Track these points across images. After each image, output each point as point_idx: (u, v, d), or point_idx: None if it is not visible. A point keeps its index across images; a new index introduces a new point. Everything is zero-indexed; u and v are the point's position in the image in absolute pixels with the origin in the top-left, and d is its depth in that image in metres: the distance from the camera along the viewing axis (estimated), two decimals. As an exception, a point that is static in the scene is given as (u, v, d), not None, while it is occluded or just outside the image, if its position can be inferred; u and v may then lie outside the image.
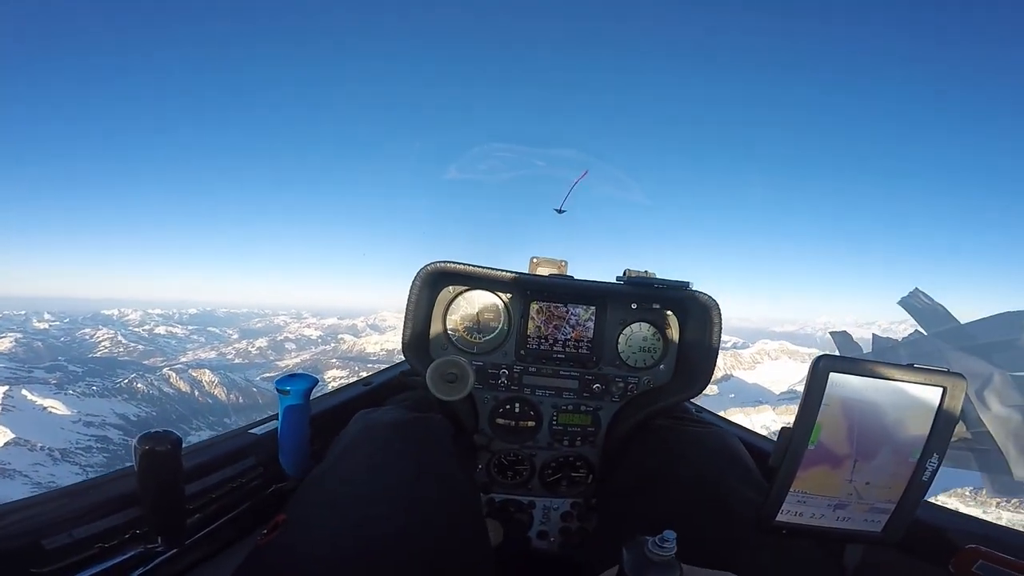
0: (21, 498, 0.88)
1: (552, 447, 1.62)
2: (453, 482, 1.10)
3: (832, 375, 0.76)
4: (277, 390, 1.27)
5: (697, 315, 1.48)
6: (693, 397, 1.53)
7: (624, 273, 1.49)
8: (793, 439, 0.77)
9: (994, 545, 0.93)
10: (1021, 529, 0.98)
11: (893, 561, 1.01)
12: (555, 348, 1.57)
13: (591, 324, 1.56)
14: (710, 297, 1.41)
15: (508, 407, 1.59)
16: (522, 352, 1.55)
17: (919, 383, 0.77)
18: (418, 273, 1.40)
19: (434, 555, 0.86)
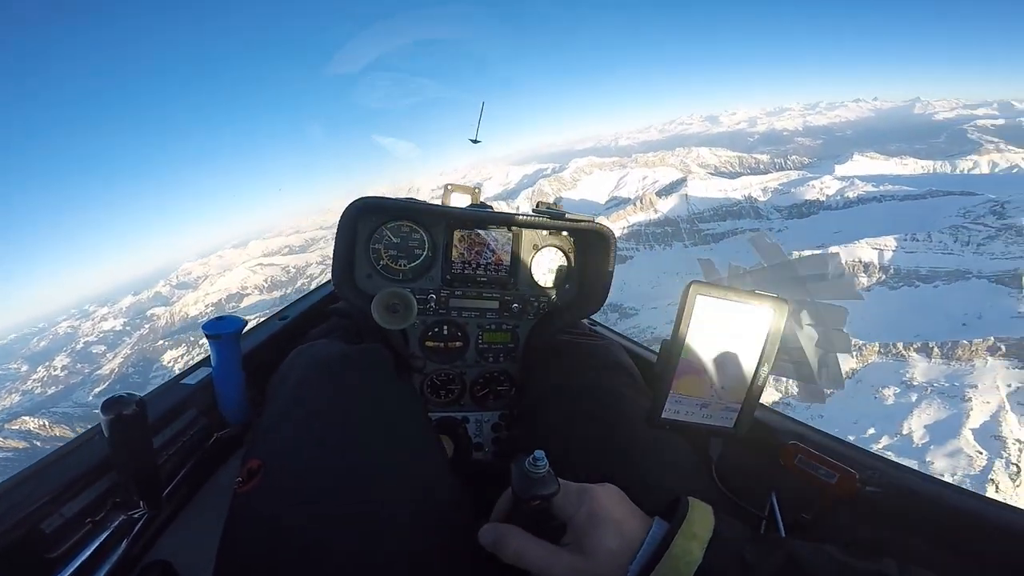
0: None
1: (479, 364, 1.73)
2: (409, 405, 1.19)
3: (698, 297, 0.93)
4: (207, 336, 1.25)
5: (596, 243, 1.63)
6: (593, 313, 1.70)
7: (537, 205, 1.62)
8: (671, 351, 0.94)
9: (806, 442, 1.11)
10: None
11: (741, 452, 1.20)
12: (478, 272, 1.66)
13: (508, 248, 1.67)
14: (608, 229, 1.58)
15: (437, 330, 1.67)
16: (448, 277, 1.63)
17: (757, 306, 0.95)
18: (346, 209, 1.44)
19: (416, 475, 0.94)
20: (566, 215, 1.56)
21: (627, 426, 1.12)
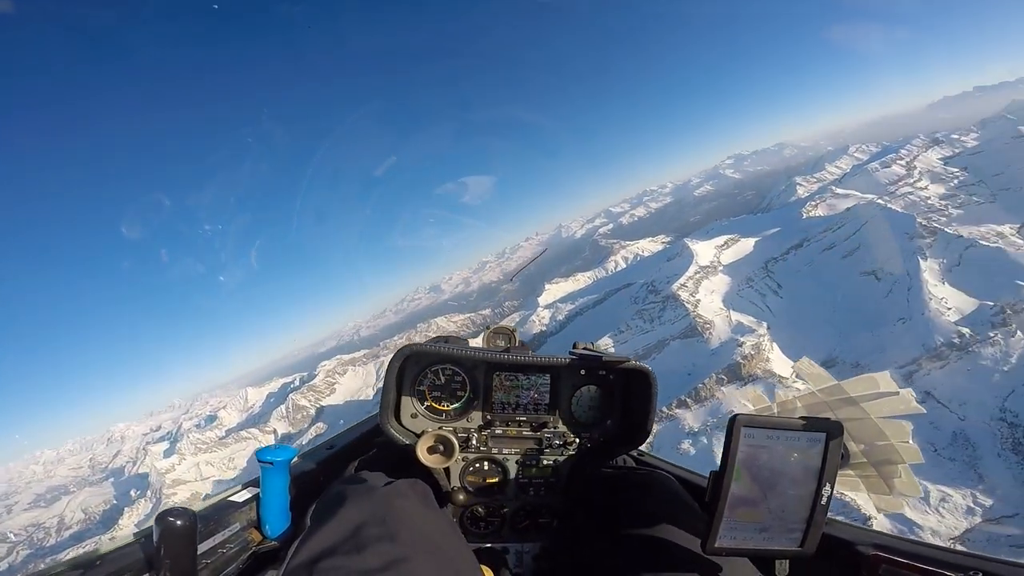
0: (40, 570, 0.89)
1: (519, 498, 1.79)
2: (451, 536, 1.24)
3: (743, 429, 0.93)
4: (260, 461, 1.37)
5: (637, 380, 1.69)
6: (637, 448, 1.81)
7: (575, 346, 1.71)
8: (721, 481, 0.95)
9: (891, 551, 1.10)
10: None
11: (815, 569, 1.15)
12: (517, 411, 1.75)
13: (547, 389, 1.76)
14: (647, 367, 1.64)
15: (477, 466, 1.75)
16: (488, 417, 1.72)
17: (809, 431, 0.97)
18: (395, 354, 1.56)
19: None
20: (604, 357, 1.62)
21: (678, 552, 1.10)
